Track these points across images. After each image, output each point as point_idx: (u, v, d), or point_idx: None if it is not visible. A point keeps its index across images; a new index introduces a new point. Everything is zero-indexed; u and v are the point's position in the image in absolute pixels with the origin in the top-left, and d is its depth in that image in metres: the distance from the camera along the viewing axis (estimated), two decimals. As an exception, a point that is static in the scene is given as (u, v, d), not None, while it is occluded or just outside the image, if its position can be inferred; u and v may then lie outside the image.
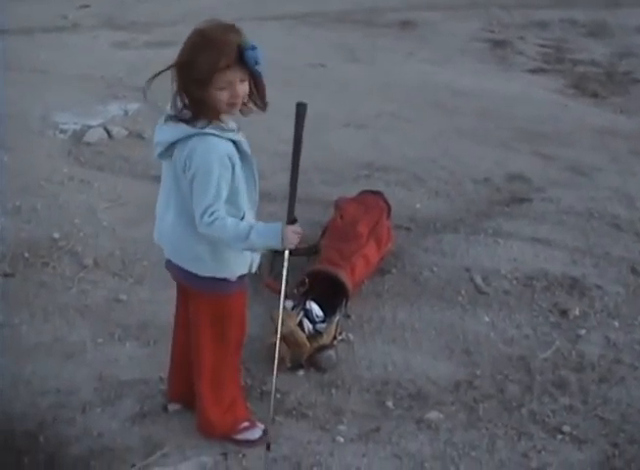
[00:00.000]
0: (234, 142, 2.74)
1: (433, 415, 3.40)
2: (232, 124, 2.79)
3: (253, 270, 2.98)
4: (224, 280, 2.89)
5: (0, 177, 5.20)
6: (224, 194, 2.69)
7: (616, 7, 9.95)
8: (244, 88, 2.68)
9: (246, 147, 2.79)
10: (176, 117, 2.71)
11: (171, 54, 2.71)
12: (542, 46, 8.74)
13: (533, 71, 8.05)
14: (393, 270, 4.40)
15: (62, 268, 4.33)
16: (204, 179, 2.65)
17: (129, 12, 9.52)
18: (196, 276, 2.88)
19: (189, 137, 2.68)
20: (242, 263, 2.90)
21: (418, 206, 5.17)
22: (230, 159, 2.70)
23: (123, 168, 5.53)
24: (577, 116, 6.92)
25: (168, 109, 2.76)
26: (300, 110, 2.80)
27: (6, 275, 4.24)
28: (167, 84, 2.70)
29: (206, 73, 2.60)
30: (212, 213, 2.67)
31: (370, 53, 8.33)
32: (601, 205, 5.20)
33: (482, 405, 3.48)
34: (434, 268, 4.42)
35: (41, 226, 4.70)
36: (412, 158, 5.85)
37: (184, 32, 2.71)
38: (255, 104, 2.75)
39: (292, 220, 2.81)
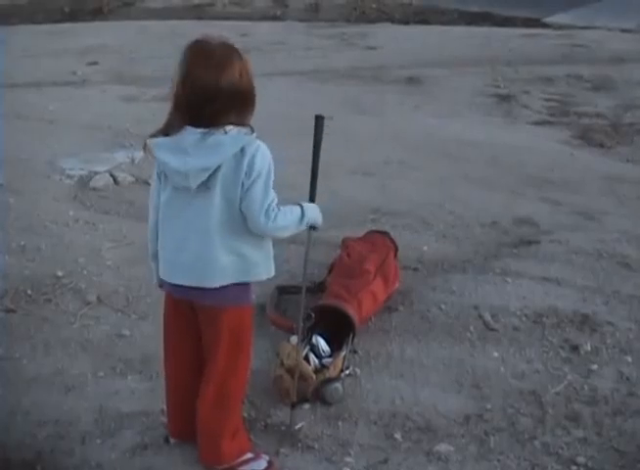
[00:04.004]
0: None
1: (442, 447, 3.31)
2: None
3: None
4: (247, 287, 2.95)
5: (4, 218, 5.18)
6: None
7: (620, 63, 10.02)
8: None
9: None
10: (210, 134, 2.74)
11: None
12: (547, 100, 8.77)
13: (539, 124, 8.06)
14: (401, 308, 4.33)
15: (64, 304, 4.28)
16: (268, 179, 2.82)
17: (138, 67, 9.64)
18: (222, 291, 2.88)
19: (242, 147, 2.78)
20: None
21: (425, 248, 5.11)
22: None
23: (129, 212, 5.51)
24: (584, 164, 6.90)
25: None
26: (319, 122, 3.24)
27: (7, 311, 4.19)
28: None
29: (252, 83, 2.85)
30: (274, 208, 2.84)
31: (377, 106, 8.36)
32: (610, 246, 5.14)
33: (494, 438, 3.38)
34: (443, 306, 4.34)
35: (45, 264, 4.66)
36: (419, 202, 5.82)
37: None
38: None
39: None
